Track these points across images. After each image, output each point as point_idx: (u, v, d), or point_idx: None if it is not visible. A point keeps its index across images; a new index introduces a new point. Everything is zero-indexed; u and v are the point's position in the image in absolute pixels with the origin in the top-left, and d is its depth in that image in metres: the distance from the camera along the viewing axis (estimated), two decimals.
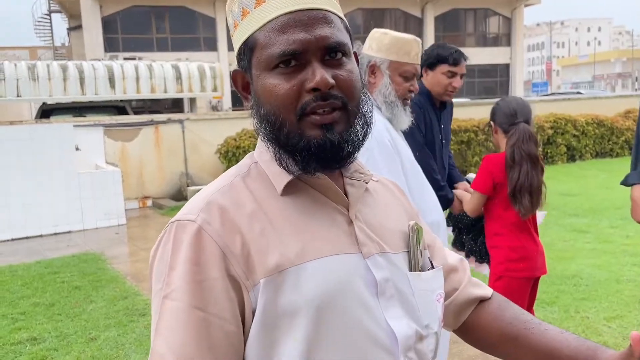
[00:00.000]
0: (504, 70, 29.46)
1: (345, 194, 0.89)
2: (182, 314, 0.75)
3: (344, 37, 0.85)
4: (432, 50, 2.69)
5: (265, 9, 0.83)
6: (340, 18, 0.86)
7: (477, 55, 24.21)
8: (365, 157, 1.79)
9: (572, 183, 9.08)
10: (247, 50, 0.85)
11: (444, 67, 2.61)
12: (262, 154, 0.90)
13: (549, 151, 11.48)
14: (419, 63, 2.09)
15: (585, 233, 5.90)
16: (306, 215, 0.84)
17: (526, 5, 29.28)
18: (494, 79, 29.21)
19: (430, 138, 2.64)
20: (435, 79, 2.64)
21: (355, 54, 0.90)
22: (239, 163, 0.93)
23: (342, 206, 0.88)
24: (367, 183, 0.93)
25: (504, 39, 29.39)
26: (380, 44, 2.03)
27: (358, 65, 0.90)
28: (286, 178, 0.85)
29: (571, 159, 11.83)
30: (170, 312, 0.76)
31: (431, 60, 2.65)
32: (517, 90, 29.04)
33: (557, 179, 9.10)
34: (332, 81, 0.80)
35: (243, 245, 0.79)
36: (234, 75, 0.90)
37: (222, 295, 0.77)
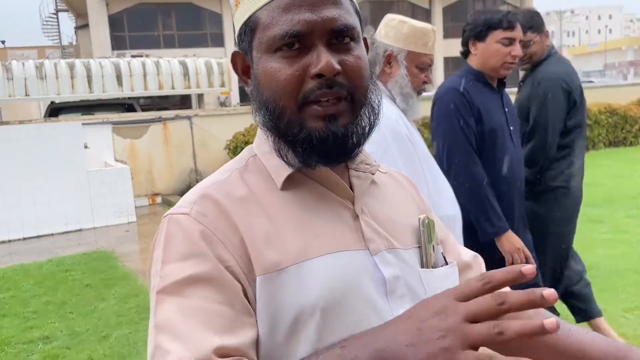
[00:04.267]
0: None
1: (351, 186, 0.83)
2: (183, 308, 0.68)
3: (353, 21, 0.78)
4: (478, 18, 2.27)
5: None
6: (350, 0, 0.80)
7: None
8: (383, 148, 1.74)
9: (586, 172, 8.86)
10: (248, 30, 0.79)
11: (498, 34, 2.21)
12: (261, 145, 0.84)
13: None
14: (434, 54, 2.03)
15: (600, 223, 5.80)
16: (308, 210, 0.79)
17: None
18: None
19: (490, 127, 2.23)
20: (488, 51, 2.23)
21: (365, 39, 0.84)
22: (236, 157, 0.87)
23: (347, 200, 0.82)
24: (373, 174, 0.86)
25: None
26: (398, 33, 1.96)
27: (368, 52, 0.84)
28: (286, 171, 0.80)
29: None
30: (171, 307, 0.69)
31: (480, 29, 2.24)
32: None
33: None
34: (338, 67, 0.74)
35: (240, 239, 0.73)
36: (233, 57, 0.84)
37: (226, 285, 0.70)
